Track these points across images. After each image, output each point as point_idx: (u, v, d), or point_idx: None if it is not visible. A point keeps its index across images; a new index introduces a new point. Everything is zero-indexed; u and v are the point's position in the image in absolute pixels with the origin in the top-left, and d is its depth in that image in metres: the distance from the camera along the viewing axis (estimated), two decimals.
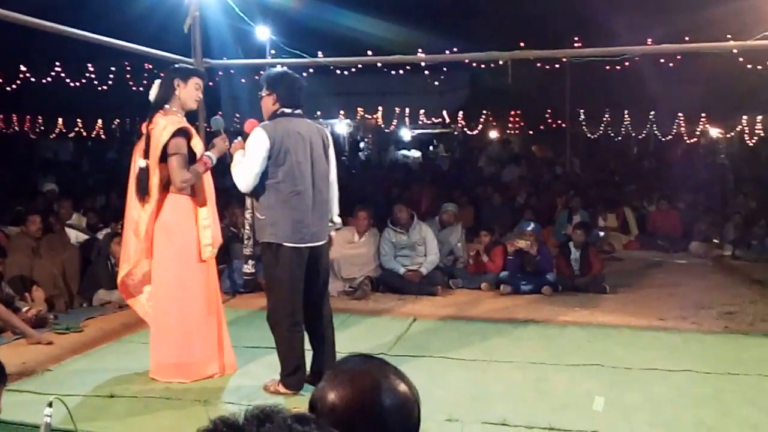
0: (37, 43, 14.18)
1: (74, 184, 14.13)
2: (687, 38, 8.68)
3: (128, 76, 18.27)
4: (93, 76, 20.02)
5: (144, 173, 4.79)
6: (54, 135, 23.66)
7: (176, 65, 5.16)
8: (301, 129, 4.60)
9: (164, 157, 4.73)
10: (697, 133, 22.87)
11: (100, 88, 20.15)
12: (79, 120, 23.14)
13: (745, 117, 21.35)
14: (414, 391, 1.52)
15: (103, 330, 6.23)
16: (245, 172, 4.52)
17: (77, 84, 20.12)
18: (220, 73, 18.61)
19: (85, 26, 6.04)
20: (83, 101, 20.95)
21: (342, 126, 25.28)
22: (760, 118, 21.43)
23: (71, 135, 23.77)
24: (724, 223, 10.80)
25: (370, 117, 22.71)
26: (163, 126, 4.75)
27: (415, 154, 23.77)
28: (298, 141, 4.54)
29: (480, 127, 23.17)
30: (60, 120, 23.18)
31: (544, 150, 22.39)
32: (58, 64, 19.65)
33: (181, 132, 4.76)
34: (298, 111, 4.65)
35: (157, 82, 4.97)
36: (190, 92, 4.90)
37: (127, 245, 5.02)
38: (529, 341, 5.95)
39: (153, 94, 4.93)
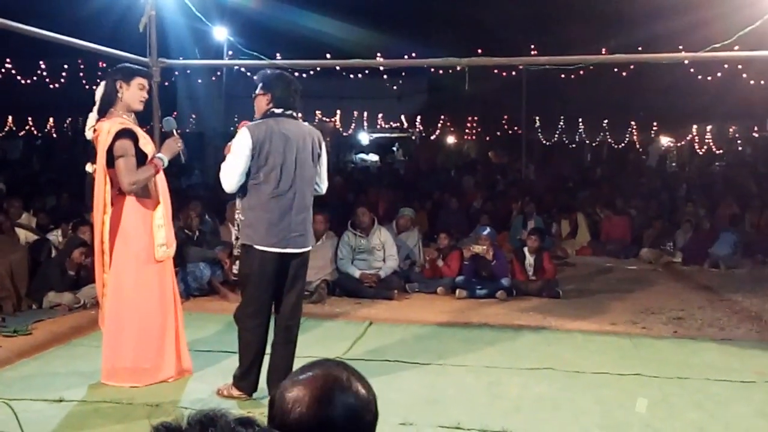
0: None
1: (24, 184, 13.80)
2: (640, 48, 8.88)
3: (81, 74, 17.93)
4: (45, 73, 19.62)
5: (90, 179, 4.70)
6: (3, 133, 23.07)
7: (118, 65, 4.99)
8: (290, 130, 4.47)
9: (112, 162, 4.62)
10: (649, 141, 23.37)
11: (52, 86, 19.73)
12: (29, 118, 22.61)
13: (695, 126, 21.90)
14: (371, 392, 1.55)
15: (52, 333, 6.09)
16: (229, 171, 4.43)
17: (28, 81, 19.68)
18: (176, 73, 18.40)
19: (38, 23, 5.90)
20: (34, 99, 20.49)
21: None
22: (709, 127, 22.02)
23: (21, 133, 23.22)
24: (674, 230, 11.04)
25: (328, 120, 22.68)
26: (107, 130, 4.63)
27: (374, 158, 23.79)
28: (284, 142, 4.42)
29: (438, 132, 23.32)
30: (9, 118, 22.62)
31: (500, 156, 22.63)
32: (8, 60, 19.22)
33: (125, 133, 4.63)
34: (289, 112, 4.54)
35: (102, 84, 4.84)
36: (133, 93, 4.78)
37: (98, 270, 4.87)
38: (483, 345, 5.99)
39: (98, 96, 4.81)
